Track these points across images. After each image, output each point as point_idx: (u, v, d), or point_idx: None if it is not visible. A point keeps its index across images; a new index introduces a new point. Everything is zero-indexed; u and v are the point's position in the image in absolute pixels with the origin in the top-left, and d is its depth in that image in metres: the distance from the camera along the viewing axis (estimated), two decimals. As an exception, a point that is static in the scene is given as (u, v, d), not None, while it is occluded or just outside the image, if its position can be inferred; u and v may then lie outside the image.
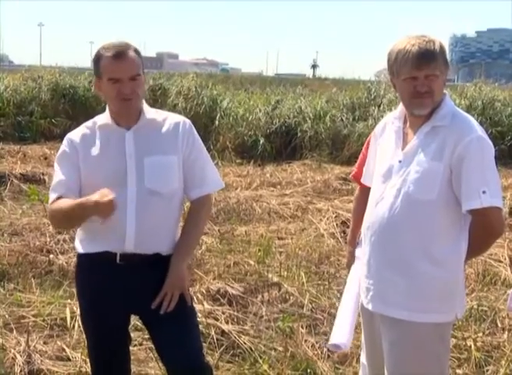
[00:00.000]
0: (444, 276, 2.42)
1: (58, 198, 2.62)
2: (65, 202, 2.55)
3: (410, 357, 2.46)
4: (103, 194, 2.37)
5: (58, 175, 2.69)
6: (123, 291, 2.60)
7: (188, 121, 2.72)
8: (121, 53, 2.53)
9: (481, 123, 2.51)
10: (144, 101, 2.68)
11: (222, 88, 16.36)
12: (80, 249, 2.70)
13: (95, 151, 2.62)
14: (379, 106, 13.50)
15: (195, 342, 2.66)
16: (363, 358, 2.80)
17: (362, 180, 2.87)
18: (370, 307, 2.55)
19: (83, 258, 2.70)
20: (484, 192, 2.33)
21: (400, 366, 2.48)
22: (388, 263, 2.47)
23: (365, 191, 2.84)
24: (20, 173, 9.25)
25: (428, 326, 2.43)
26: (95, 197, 2.38)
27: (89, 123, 2.72)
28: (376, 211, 2.50)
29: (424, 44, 2.36)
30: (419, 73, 2.37)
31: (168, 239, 2.67)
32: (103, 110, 2.72)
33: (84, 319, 2.81)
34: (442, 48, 2.40)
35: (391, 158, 2.51)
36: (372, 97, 14.33)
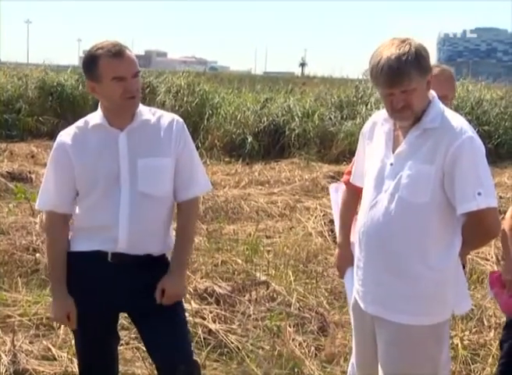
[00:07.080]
0: (439, 279, 2.43)
1: (50, 212, 2.68)
2: (56, 257, 2.68)
3: (406, 357, 2.47)
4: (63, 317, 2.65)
5: (49, 181, 2.69)
6: (113, 289, 2.59)
7: (181, 120, 2.69)
8: (121, 51, 2.50)
9: (468, 122, 2.50)
10: None
11: (213, 86, 16.31)
12: (71, 247, 2.68)
13: (88, 152, 2.58)
14: (367, 105, 13.51)
15: (185, 340, 2.67)
16: (353, 358, 2.80)
17: (351, 180, 2.82)
18: (369, 310, 2.54)
19: (73, 256, 2.67)
20: (479, 194, 2.31)
21: (395, 366, 2.49)
22: (385, 268, 2.47)
23: (353, 193, 2.81)
24: (7, 171, 9.18)
25: (424, 328, 2.44)
26: (58, 313, 2.65)
27: (80, 122, 2.67)
28: (371, 216, 2.48)
29: (395, 60, 2.26)
30: (394, 91, 2.33)
31: (160, 240, 2.66)
32: (90, 108, 2.71)
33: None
34: (417, 56, 2.29)
35: (381, 161, 2.49)
36: (360, 95, 14.35)
